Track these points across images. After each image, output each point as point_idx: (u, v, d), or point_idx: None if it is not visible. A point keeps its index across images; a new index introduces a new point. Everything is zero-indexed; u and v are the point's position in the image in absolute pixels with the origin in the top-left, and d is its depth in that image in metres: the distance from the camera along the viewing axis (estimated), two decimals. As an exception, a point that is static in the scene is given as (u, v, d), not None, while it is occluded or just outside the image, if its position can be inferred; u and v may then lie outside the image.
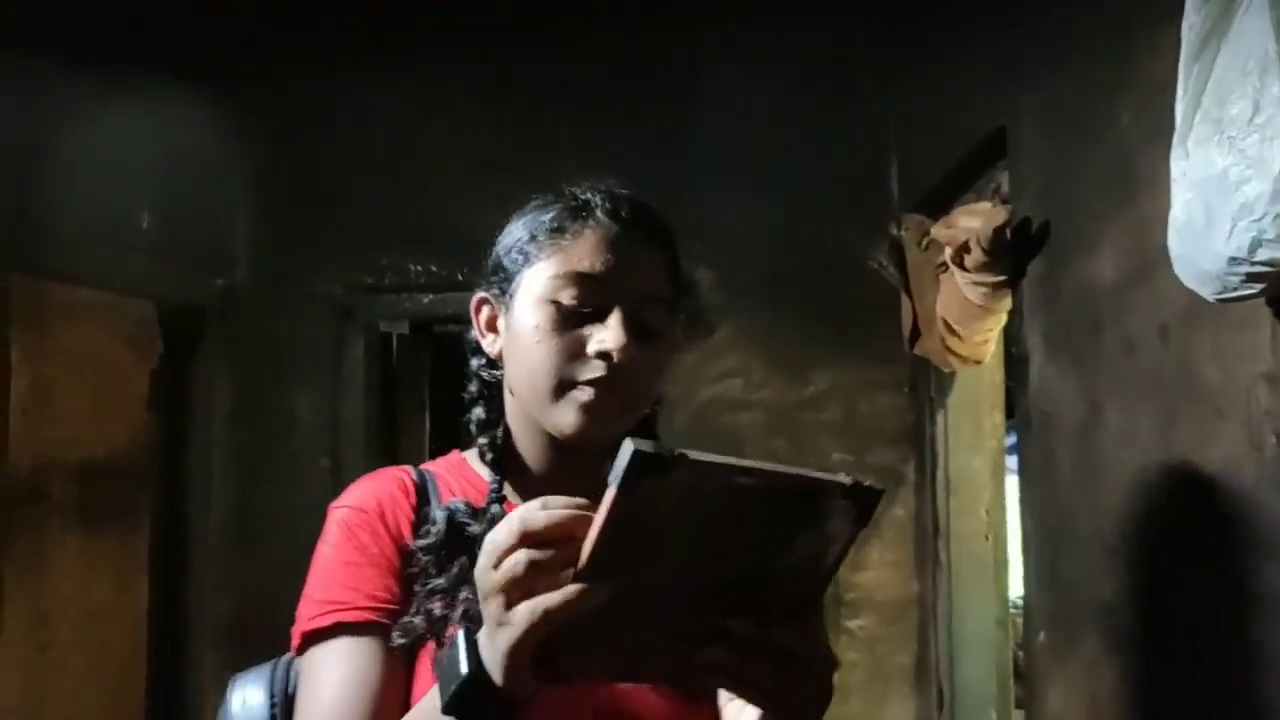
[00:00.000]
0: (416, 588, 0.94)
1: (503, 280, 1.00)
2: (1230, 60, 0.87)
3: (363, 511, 0.97)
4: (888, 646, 2.74)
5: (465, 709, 0.74)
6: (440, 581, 0.93)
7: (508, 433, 1.03)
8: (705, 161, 2.75)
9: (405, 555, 0.95)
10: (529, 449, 1.00)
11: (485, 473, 1.01)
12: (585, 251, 0.95)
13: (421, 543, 0.95)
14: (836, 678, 0.78)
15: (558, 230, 0.96)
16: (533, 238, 0.98)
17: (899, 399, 2.75)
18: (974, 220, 1.73)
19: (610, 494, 0.63)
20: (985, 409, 2.65)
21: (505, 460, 1.02)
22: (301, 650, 0.94)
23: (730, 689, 0.77)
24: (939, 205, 2.50)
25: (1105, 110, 1.42)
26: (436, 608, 0.92)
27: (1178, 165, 0.91)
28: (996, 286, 1.80)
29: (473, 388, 1.06)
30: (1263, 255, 0.85)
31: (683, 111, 2.80)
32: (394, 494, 0.99)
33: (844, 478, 0.65)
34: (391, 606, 0.93)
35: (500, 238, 1.03)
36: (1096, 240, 1.45)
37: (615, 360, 0.93)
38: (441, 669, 0.75)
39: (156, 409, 2.82)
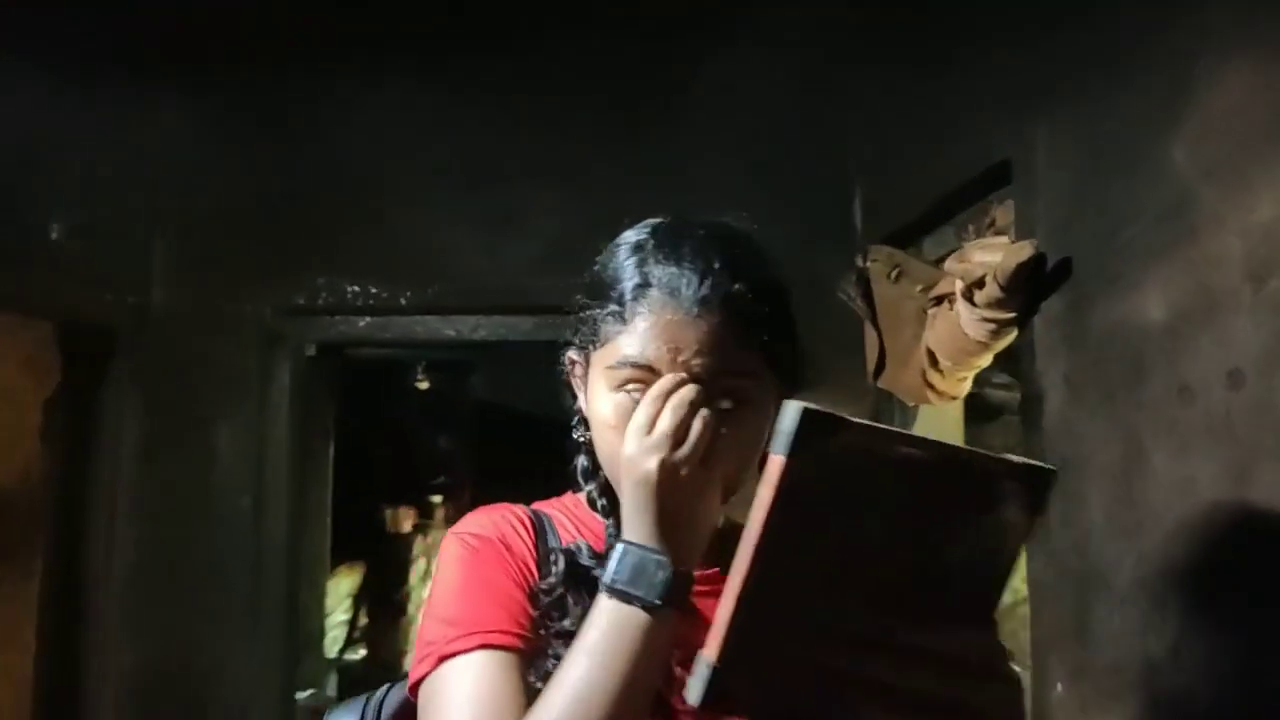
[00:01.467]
0: (542, 629, 0.93)
1: (581, 345, 1.00)
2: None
3: (488, 540, 0.96)
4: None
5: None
6: (568, 624, 0.92)
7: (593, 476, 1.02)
8: (668, 181, 2.65)
9: (530, 591, 0.95)
10: None
11: (599, 516, 1.01)
12: (640, 339, 0.91)
13: (546, 583, 0.95)
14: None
15: (617, 315, 0.94)
16: (600, 309, 0.95)
17: (862, 434, 2.69)
18: (992, 255, 1.67)
19: (777, 460, 0.60)
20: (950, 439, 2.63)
21: (615, 504, 0.96)
22: (429, 676, 0.91)
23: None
24: (910, 237, 2.47)
25: (1150, 145, 1.37)
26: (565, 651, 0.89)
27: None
28: (1005, 324, 1.75)
29: (577, 435, 1.04)
30: None
31: (647, 132, 2.69)
32: (515, 528, 0.99)
33: (1014, 457, 0.62)
34: (529, 636, 0.92)
35: (585, 286, 0.99)
36: (1138, 279, 1.40)
37: None
38: (626, 575, 0.80)
39: (54, 440, 2.51)
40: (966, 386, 2.24)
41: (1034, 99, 1.71)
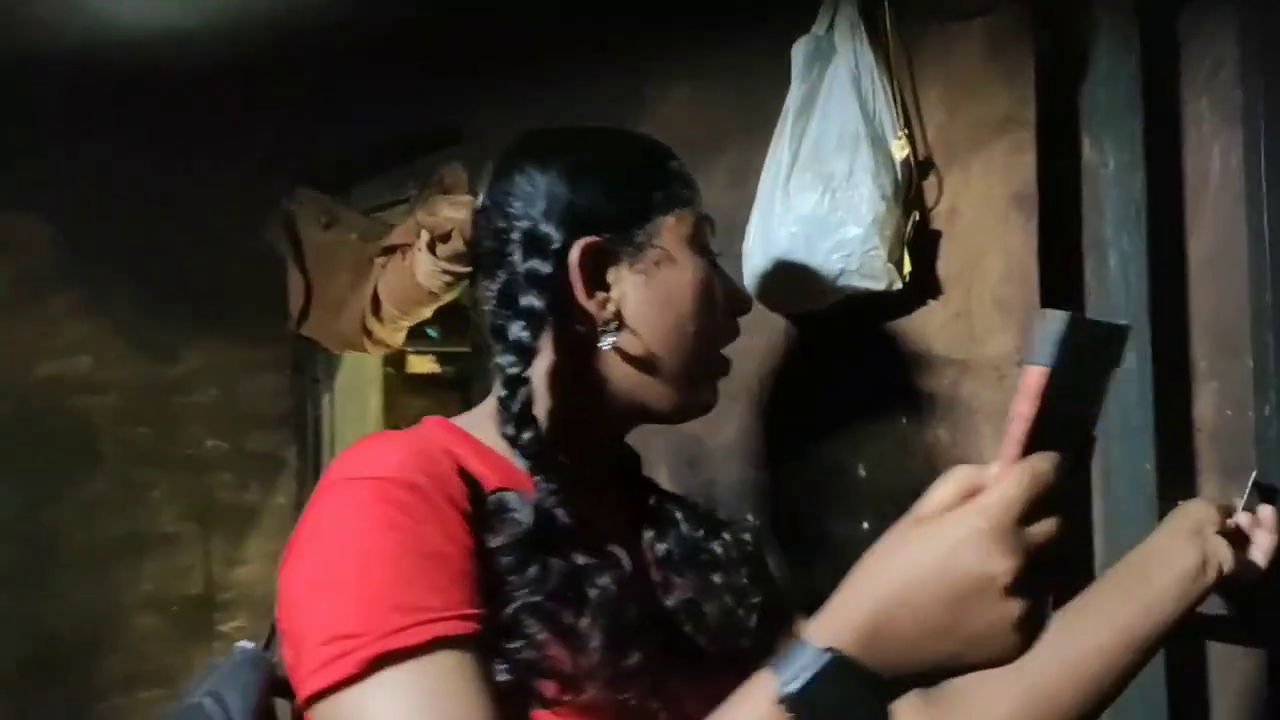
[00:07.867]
0: (499, 596, 0.71)
1: (626, 225, 0.83)
2: (826, 128, 1.13)
3: (418, 488, 0.70)
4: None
5: None
6: (539, 599, 0.72)
7: (534, 406, 0.79)
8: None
9: (475, 552, 0.71)
10: (582, 430, 0.85)
11: (503, 450, 0.80)
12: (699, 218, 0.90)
13: (500, 540, 0.72)
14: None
15: (687, 186, 0.89)
16: (665, 183, 0.87)
17: (280, 380, 2.63)
18: (459, 211, 1.79)
19: (1040, 371, 0.59)
20: (371, 392, 2.71)
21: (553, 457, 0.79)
22: (350, 682, 0.64)
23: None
24: (341, 185, 2.48)
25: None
26: (538, 630, 0.71)
27: (781, 203, 1.14)
28: (460, 276, 1.89)
29: (525, 335, 0.80)
30: (843, 281, 1.12)
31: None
32: (448, 472, 0.73)
33: (1119, 321, 0.68)
34: (485, 614, 0.69)
35: (585, 175, 0.85)
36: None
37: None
38: (822, 703, 0.58)
39: None
40: (402, 336, 2.35)
41: (491, 79, 1.87)
